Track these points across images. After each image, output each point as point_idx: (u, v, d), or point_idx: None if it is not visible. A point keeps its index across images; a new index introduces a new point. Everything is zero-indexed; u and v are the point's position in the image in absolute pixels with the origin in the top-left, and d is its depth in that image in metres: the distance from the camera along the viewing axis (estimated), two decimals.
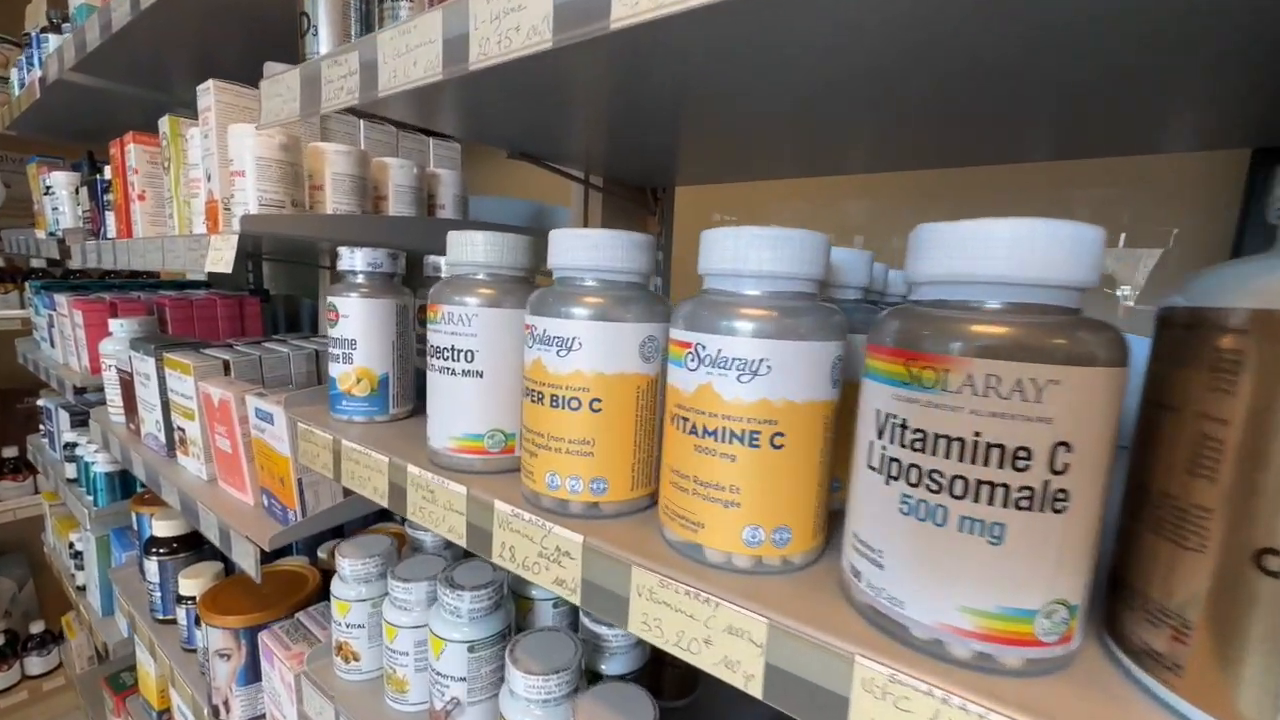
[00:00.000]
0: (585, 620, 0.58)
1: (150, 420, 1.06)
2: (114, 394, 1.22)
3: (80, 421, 1.63)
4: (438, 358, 0.47)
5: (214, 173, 0.74)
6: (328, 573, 1.10)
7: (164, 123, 0.84)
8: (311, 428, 0.60)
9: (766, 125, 0.56)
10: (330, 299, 0.61)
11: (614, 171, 1.08)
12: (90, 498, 1.46)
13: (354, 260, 0.60)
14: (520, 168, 0.87)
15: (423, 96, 0.45)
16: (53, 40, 1.36)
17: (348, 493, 0.82)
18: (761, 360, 0.31)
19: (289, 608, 0.95)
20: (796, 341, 0.31)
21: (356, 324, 0.60)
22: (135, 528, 1.31)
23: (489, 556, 0.43)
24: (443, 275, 0.70)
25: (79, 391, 1.36)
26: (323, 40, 0.58)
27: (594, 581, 0.37)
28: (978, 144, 0.59)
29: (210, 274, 2.27)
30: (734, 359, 0.32)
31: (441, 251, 0.72)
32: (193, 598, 1.09)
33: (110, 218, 1.08)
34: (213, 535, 0.85)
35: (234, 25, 0.87)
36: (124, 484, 1.45)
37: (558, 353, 0.39)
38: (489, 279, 0.48)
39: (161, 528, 1.18)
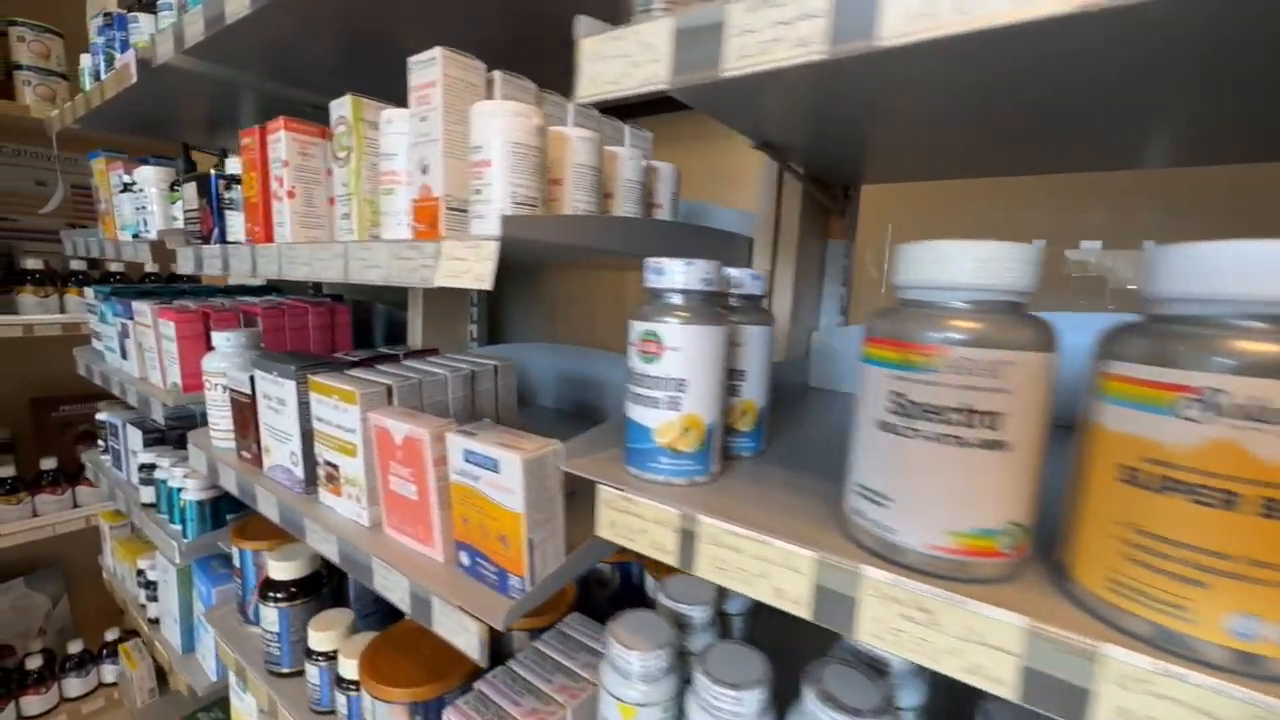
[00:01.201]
0: None
1: (282, 451, 0.92)
2: (220, 416, 1.08)
3: (156, 440, 1.49)
4: (934, 420, 0.33)
5: (434, 163, 0.60)
6: None
7: (343, 105, 0.70)
8: (630, 494, 0.46)
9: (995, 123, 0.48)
10: (650, 326, 0.47)
11: (811, 168, 0.95)
12: (177, 527, 1.32)
13: (676, 276, 0.47)
14: None
15: (958, 48, 0.31)
16: (143, 20, 1.22)
17: (570, 547, 0.67)
18: None
19: (463, 675, 0.81)
20: None
21: (687, 359, 0.46)
22: (238, 564, 1.17)
23: None
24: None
25: (169, 410, 1.22)
26: None
27: None
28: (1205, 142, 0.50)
29: (271, 280, 2.13)
30: None
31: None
32: (327, 654, 0.95)
33: (234, 218, 0.94)
34: (398, 599, 0.71)
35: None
36: (214, 513, 1.31)
37: None
38: (976, 308, 0.34)
39: (280, 570, 1.03)
